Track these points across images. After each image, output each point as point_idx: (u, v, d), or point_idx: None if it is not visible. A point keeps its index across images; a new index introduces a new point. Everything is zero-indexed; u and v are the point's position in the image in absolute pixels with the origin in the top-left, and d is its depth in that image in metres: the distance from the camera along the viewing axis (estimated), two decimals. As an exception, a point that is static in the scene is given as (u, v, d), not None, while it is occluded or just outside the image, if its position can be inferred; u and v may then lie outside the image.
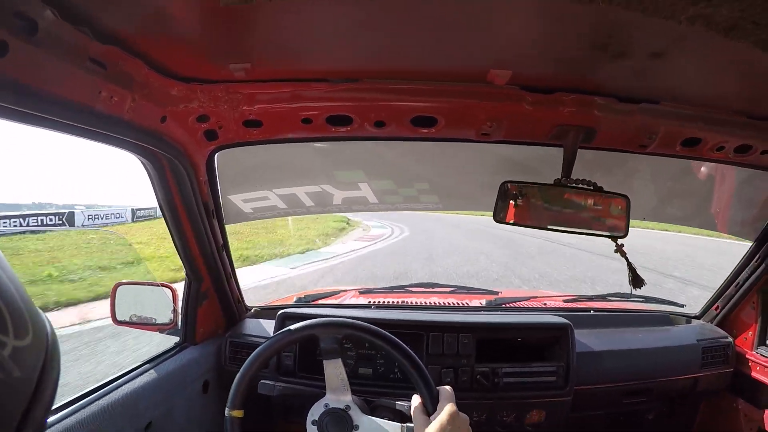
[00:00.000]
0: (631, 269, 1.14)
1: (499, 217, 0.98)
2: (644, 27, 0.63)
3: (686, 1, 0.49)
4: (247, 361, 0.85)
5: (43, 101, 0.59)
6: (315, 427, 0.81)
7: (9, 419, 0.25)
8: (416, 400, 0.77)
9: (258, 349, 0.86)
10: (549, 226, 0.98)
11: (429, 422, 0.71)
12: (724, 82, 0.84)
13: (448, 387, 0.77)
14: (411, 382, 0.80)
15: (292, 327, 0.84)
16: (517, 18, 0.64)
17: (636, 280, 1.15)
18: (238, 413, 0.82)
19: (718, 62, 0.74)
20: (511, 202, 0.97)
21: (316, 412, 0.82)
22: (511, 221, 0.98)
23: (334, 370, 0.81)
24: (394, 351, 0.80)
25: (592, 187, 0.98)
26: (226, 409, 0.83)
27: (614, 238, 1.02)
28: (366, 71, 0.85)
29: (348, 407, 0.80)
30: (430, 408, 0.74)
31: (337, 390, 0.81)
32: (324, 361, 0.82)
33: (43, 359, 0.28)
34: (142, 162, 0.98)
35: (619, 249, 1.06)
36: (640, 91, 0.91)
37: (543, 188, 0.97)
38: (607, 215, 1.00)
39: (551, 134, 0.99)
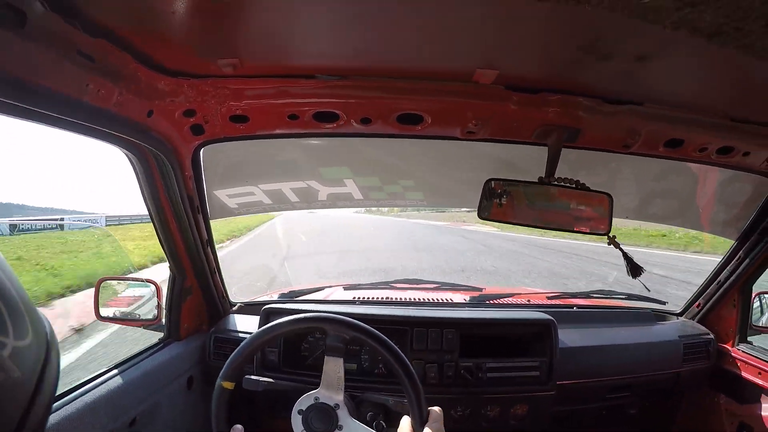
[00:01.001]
0: (627, 258, 1.16)
1: (484, 214, 0.98)
2: (630, 30, 0.64)
3: (671, 6, 0.50)
4: (249, 338, 0.85)
5: (32, 93, 0.59)
6: (300, 417, 0.81)
7: (9, 419, 0.25)
8: (406, 421, 0.77)
9: (262, 329, 0.85)
10: (532, 224, 0.99)
11: None
12: (708, 86, 0.86)
13: (437, 408, 0.78)
14: (395, 377, 0.80)
15: (307, 315, 0.84)
16: (504, 18, 0.65)
17: (634, 269, 1.17)
18: (228, 385, 0.82)
19: (702, 66, 0.76)
20: (495, 199, 0.98)
21: (304, 402, 0.82)
22: (495, 218, 0.99)
23: (334, 368, 0.81)
24: (396, 364, 0.80)
25: (575, 186, 0.98)
26: (218, 378, 0.83)
27: (597, 236, 1.03)
28: (353, 68, 0.85)
29: (337, 406, 0.80)
30: (418, 423, 0.75)
31: (331, 387, 0.81)
32: (326, 356, 0.81)
33: (43, 359, 0.28)
34: (128, 156, 0.97)
35: (612, 241, 1.08)
36: (625, 93, 0.92)
37: (527, 186, 0.98)
38: (590, 213, 1.01)
39: (536, 133, 1.00)
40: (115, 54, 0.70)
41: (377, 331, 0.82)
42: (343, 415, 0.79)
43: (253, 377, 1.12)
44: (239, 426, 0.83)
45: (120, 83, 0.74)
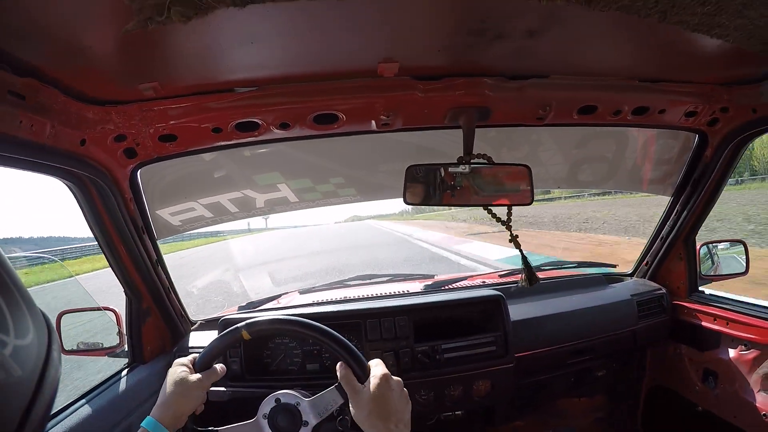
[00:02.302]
0: (525, 263, 1.19)
1: (409, 200, 1.02)
2: (512, 9, 0.68)
3: None
4: (283, 317, 0.84)
5: None
6: (266, 420, 0.82)
7: (10, 419, 0.24)
8: (340, 367, 0.77)
9: (296, 319, 0.84)
10: (457, 203, 1.04)
11: (362, 389, 0.72)
12: (607, 50, 0.88)
13: (376, 359, 0.79)
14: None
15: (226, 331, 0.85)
16: (393, 14, 0.68)
17: (530, 276, 1.20)
18: (246, 335, 0.83)
19: (594, 32, 0.78)
20: (418, 184, 1.02)
21: (266, 406, 0.82)
22: (420, 203, 1.03)
23: (333, 400, 0.79)
24: (311, 332, 0.81)
25: (492, 162, 1.04)
26: (242, 325, 0.83)
27: (522, 206, 1.08)
28: (266, 78, 0.90)
29: (299, 404, 0.81)
30: (361, 376, 0.75)
31: (316, 406, 0.80)
32: (335, 387, 0.80)
33: (44, 358, 0.28)
34: (67, 186, 1.01)
35: (514, 240, 1.11)
36: (527, 68, 0.96)
37: (447, 168, 1.03)
38: (512, 186, 1.06)
39: (447, 117, 1.06)
40: (44, 90, 0.74)
41: (286, 316, 0.83)
42: (306, 411, 0.80)
43: (218, 388, 1.14)
44: (222, 366, 0.85)
45: (51, 117, 0.78)
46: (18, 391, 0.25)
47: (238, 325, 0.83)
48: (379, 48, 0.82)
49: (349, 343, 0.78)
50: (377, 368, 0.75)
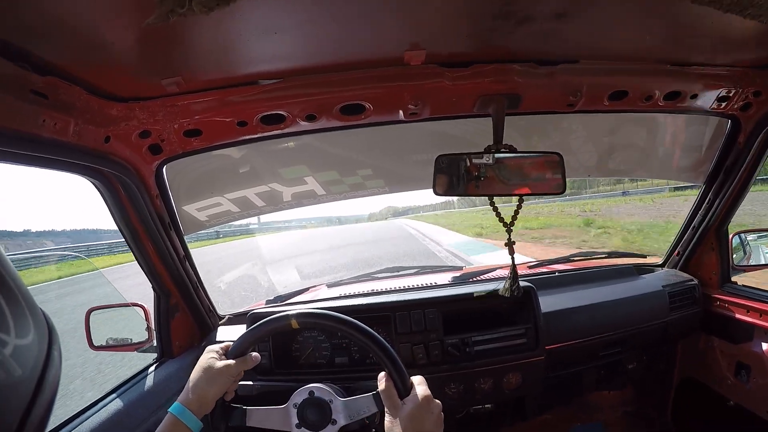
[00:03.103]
0: (513, 271, 1.16)
1: (439, 190, 1.00)
2: None
3: None
4: (327, 312, 0.82)
5: None
6: (295, 410, 0.81)
7: (10, 419, 0.24)
8: (383, 378, 0.76)
9: (270, 318, 0.83)
10: (488, 193, 1.01)
11: (401, 405, 0.71)
12: (638, 33, 0.85)
13: (420, 376, 0.78)
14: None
15: (272, 317, 0.83)
16: (418, 0, 0.66)
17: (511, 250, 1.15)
18: (295, 324, 0.82)
19: (628, 15, 0.76)
20: (447, 174, 1.00)
21: (299, 396, 0.82)
22: (450, 193, 1.01)
23: (367, 406, 0.79)
24: (362, 337, 0.79)
25: (523, 151, 1.01)
26: (292, 314, 0.82)
27: (555, 195, 1.06)
28: (291, 69, 0.88)
29: (332, 401, 0.81)
30: (402, 391, 0.74)
31: (348, 407, 0.80)
32: (372, 394, 0.79)
33: (45, 358, 0.28)
34: (93, 184, 1.01)
35: (510, 245, 1.09)
36: (557, 52, 0.93)
37: (476, 157, 1.00)
38: (543, 174, 1.03)
39: (476, 105, 1.03)
40: (66, 88, 0.74)
41: (332, 312, 0.81)
42: (338, 411, 0.80)
43: (247, 382, 1.14)
44: (256, 354, 0.84)
45: (74, 115, 0.78)
46: (18, 391, 0.25)
47: (288, 312, 0.81)
48: (404, 35, 0.80)
49: (396, 356, 0.77)
50: (420, 387, 0.74)
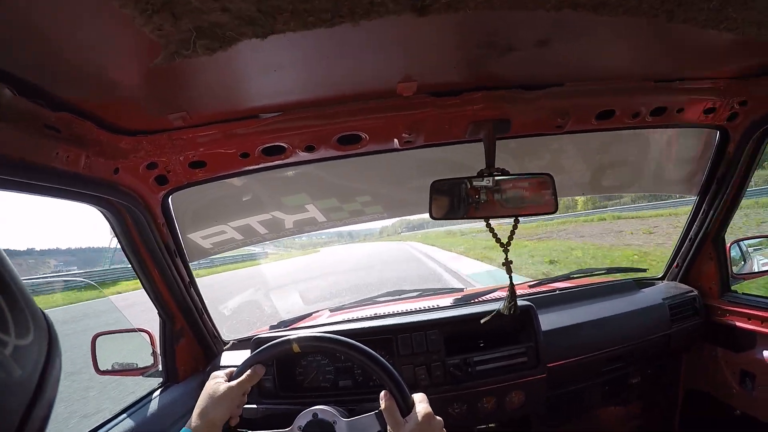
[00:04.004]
0: (512, 290, 1.15)
1: (436, 215, 1.03)
2: (519, 21, 0.68)
3: None
4: (331, 336, 0.83)
5: (6, 166, 0.66)
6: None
7: (10, 419, 0.25)
8: (384, 397, 0.77)
9: (344, 339, 0.83)
10: (482, 216, 1.04)
11: (404, 423, 0.72)
12: (622, 53, 0.88)
13: (421, 393, 0.78)
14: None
15: (274, 342, 0.85)
16: (406, 36, 0.70)
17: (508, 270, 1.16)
18: (296, 348, 0.83)
19: (605, 37, 0.78)
20: (443, 199, 1.03)
21: (303, 419, 0.83)
22: (446, 217, 1.03)
23: (371, 426, 0.80)
24: (363, 357, 0.80)
25: (513, 174, 1.04)
26: (293, 338, 0.84)
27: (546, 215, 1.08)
28: (290, 103, 0.93)
29: (335, 422, 0.82)
30: (404, 409, 0.74)
31: (351, 426, 0.81)
32: (375, 413, 0.80)
33: (45, 358, 0.28)
34: (102, 213, 1.05)
35: (507, 265, 1.10)
36: (542, 77, 0.97)
37: (470, 181, 1.03)
38: (536, 196, 1.05)
39: (468, 131, 1.07)
40: (78, 123, 0.78)
41: (330, 335, 0.83)
42: (341, 431, 0.81)
43: (251, 406, 1.15)
44: (260, 366, 0.85)
45: (86, 148, 0.83)
46: (18, 391, 0.25)
47: (290, 337, 0.84)
48: (397, 68, 0.84)
49: (397, 374, 0.78)
50: (421, 405, 0.75)
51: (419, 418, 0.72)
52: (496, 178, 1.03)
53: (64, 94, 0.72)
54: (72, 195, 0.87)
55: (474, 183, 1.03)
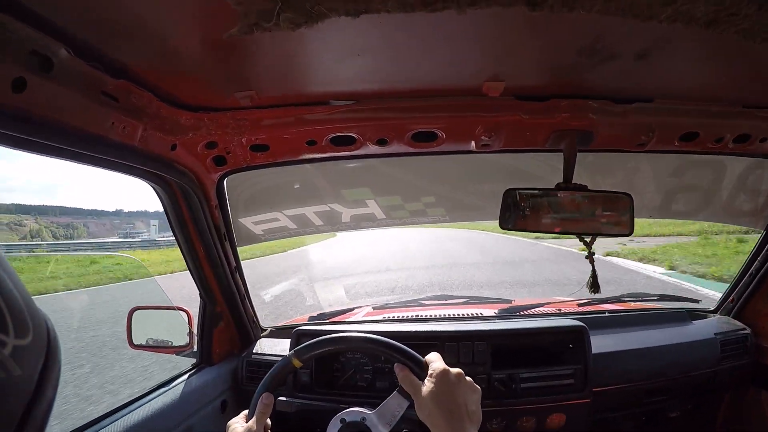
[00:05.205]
0: (594, 274, 1.14)
1: (506, 225, 0.99)
2: (628, 29, 0.65)
3: (663, 0, 0.50)
4: (336, 335, 0.83)
5: (60, 133, 0.63)
6: (341, 425, 0.78)
7: (9, 419, 0.25)
8: (398, 369, 0.75)
9: (347, 335, 0.83)
10: (554, 230, 0.99)
11: (422, 386, 0.70)
12: (715, 75, 0.85)
13: (434, 353, 0.76)
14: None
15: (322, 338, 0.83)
16: (505, 32, 0.66)
17: (594, 286, 1.16)
18: (297, 363, 0.81)
19: (706, 55, 0.75)
20: (515, 209, 0.98)
21: (351, 416, 0.79)
22: (517, 228, 0.99)
23: (397, 405, 0.77)
24: (360, 343, 0.80)
25: (593, 189, 0.98)
26: (291, 352, 0.82)
27: (621, 236, 1.02)
28: (365, 92, 0.88)
29: (364, 419, 0.78)
30: (419, 373, 0.73)
31: (383, 418, 0.77)
32: (396, 391, 0.77)
33: (44, 358, 0.28)
34: (154, 188, 1.02)
35: (590, 257, 1.07)
36: (633, 91, 0.92)
37: (546, 193, 0.98)
38: (611, 215, 1.00)
39: (549, 140, 1.01)
40: (138, 93, 0.74)
41: (336, 334, 0.82)
42: (374, 424, 0.77)
43: (285, 399, 1.13)
44: (270, 394, 0.81)
45: (143, 120, 0.79)
46: (18, 391, 0.25)
47: (286, 355, 0.82)
48: (486, 66, 0.79)
49: (399, 344, 0.77)
50: (435, 363, 0.72)
51: (434, 378, 0.69)
52: (575, 192, 0.97)
53: (124, 61, 0.67)
54: (125, 168, 0.84)
55: (550, 195, 0.98)
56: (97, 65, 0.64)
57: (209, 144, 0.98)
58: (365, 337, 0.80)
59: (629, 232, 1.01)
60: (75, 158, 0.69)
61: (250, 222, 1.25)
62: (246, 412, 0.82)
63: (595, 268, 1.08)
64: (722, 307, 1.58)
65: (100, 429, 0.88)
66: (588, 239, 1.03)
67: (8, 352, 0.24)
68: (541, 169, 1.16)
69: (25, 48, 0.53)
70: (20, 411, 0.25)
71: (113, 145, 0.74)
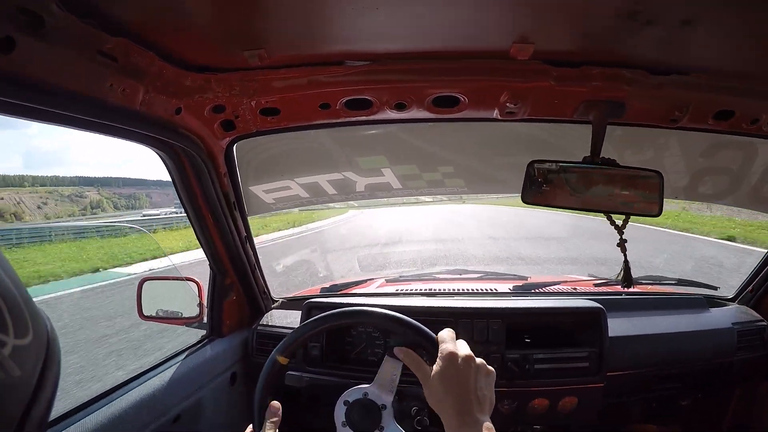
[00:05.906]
0: (626, 266, 1.09)
1: (528, 199, 0.94)
2: None
3: None
4: (310, 321, 0.81)
5: (54, 96, 0.59)
6: (345, 407, 0.78)
7: (9, 419, 0.25)
8: (400, 352, 0.72)
9: (324, 314, 0.81)
10: (579, 207, 0.95)
11: (430, 371, 0.66)
12: (758, 51, 0.79)
13: (446, 329, 0.72)
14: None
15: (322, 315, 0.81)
16: None
17: (626, 279, 1.11)
18: (283, 360, 0.79)
19: (751, 30, 0.70)
20: (539, 182, 0.94)
21: (353, 395, 0.78)
22: (540, 202, 0.95)
23: (391, 369, 0.77)
24: (377, 319, 0.77)
25: (622, 165, 0.93)
26: (274, 351, 0.80)
27: (648, 217, 0.98)
28: (383, 52, 0.83)
29: (384, 407, 0.77)
30: (433, 351, 0.69)
31: (383, 387, 0.77)
32: (386, 356, 0.78)
33: (44, 358, 0.28)
34: (159, 155, 0.98)
35: (621, 244, 1.02)
36: (670, 62, 0.86)
37: (572, 167, 0.94)
38: (640, 194, 0.95)
39: (579, 110, 0.96)
40: (138, 52, 0.69)
41: (321, 315, 0.79)
42: (387, 417, 0.76)
43: (295, 373, 1.12)
44: (276, 403, 0.79)
45: (145, 82, 0.74)
46: (18, 391, 0.25)
47: (271, 355, 0.79)
48: (515, 26, 0.73)
49: (411, 320, 0.75)
50: (444, 345, 0.67)
51: (443, 359, 0.65)
52: (604, 167, 0.92)
53: (123, 17, 0.62)
54: (126, 134, 0.79)
55: (577, 169, 0.93)
56: (92, 22, 0.59)
57: (216, 108, 0.92)
58: (351, 312, 0.78)
59: (658, 213, 0.96)
60: (71, 123, 0.65)
61: (260, 190, 1.22)
62: (251, 427, 0.78)
63: (628, 257, 1.02)
64: (741, 296, 1.54)
65: (112, 401, 0.87)
66: (620, 222, 0.98)
67: (8, 353, 0.24)
68: (567, 141, 1.10)
69: (11, 4, 0.48)
70: (20, 411, 0.25)
71: (112, 109, 0.70)
